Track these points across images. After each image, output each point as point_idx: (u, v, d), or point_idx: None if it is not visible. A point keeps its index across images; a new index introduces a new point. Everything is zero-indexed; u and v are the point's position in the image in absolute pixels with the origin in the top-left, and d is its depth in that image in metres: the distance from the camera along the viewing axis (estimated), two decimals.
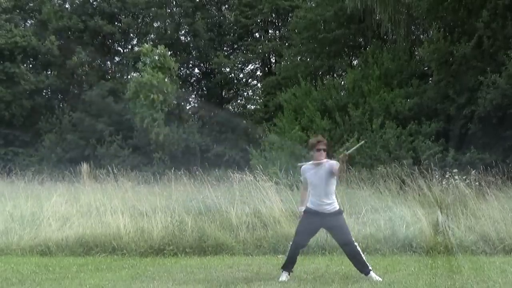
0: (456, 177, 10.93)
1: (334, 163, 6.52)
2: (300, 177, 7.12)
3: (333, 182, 6.56)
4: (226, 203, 10.50)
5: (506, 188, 10.41)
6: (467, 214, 9.51)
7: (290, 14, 28.23)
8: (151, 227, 9.78)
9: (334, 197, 6.58)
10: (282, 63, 27.44)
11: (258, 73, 32.62)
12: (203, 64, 31.68)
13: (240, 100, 32.89)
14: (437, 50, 17.43)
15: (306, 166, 6.71)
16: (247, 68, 32.49)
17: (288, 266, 6.69)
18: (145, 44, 25.70)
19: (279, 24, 31.22)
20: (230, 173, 12.42)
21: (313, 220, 6.58)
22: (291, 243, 6.76)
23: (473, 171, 11.25)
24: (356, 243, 6.69)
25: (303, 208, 6.72)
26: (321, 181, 6.50)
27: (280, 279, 6.56)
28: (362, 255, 6.66)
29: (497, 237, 8.83)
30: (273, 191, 10.70)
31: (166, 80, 24.08)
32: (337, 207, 6.60)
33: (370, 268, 6.60)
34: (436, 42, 17.59)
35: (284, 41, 29.42)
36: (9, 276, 7.29)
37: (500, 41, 16.57)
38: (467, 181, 10.77)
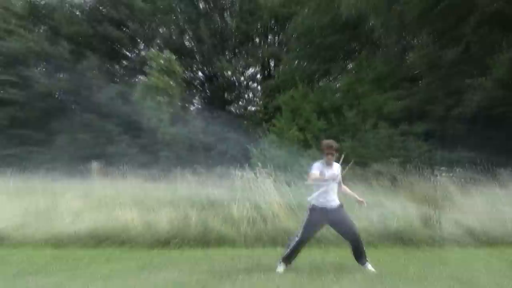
0: (444, 174, 10.98)
1: (340, 167, 6.85)
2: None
3: (337, 180, 6.78)
4: (228, 199, 10.53)
5: (490, 184, 10.44)
6: (454, 209, 9.56)
7: (288, 21, 28.21)
8: (158, 221, 9.83)
9: (336, 195, 6.74)
10: (281, 67, 27.46)
11: (258, 76, 32.63)
12: (207, 68, 31.69)
13: (241, 102, 32.90)
14: (426, 55, 17.48)
15: (319, 163, 6.77)
16: (247, 72, 32.51)
17: (289, 259, 6.73)
18: (152, 49, 25.76)
19: (278, 30, 31.18)
20: (232, 170, 12.45)
21: (319, 216, 6.67)
22: (296, 238, 6.76)
23: (460, 169, 11.27)
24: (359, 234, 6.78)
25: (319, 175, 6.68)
26: (333, 178, 6.68)
27: (278, 270, 6.61)
28: (363, 247, 6.75)
29: (481, 230, 8.89)
30: (272, 187, 10.73)
31: (171, 83, 24.10)
32: (339, 202, 6.73)
33: (367, 259, 6.67)
34: (426, 47, 17.64)
35: (283, 47, 29.44)
36: (25, 267, 7.35)
37: (487, 46, 16.59)
38: (454, 178, 10.82)
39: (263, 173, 11.59)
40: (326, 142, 6.77)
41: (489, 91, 15.71)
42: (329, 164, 6.70)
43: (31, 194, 12.19)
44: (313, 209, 6.70)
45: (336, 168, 6.76)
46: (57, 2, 31.48)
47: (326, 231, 8.42)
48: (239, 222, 9.71)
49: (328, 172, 6.67)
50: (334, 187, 6.71)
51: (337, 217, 6.66)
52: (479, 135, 16.28)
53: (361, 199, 6.92)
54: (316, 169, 6.67)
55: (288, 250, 6.79)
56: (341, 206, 6.71)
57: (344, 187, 6.96)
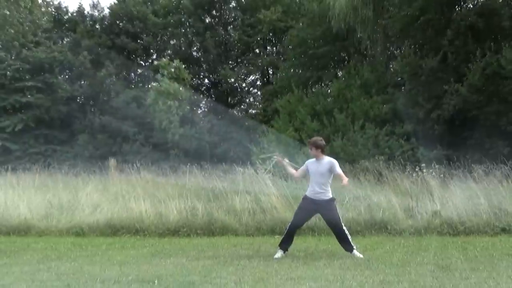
0: (425, 170, 10.92)
1: (334, 163, 6.52)
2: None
3: (329, 176, 6.54)
4: (231, 192, 10.49)
5: (466, 179, 10.38)
6: (433, 201, 9.51)
7: (285, 33, 28.14)
8: (168, 212, 9.80)
9: (328, 187, 6.56)
10: (278, 74, 27.35)
11: (258, 83, 32.53)
12: (212, 76, 31.60)
13: (243, 106, 32.80)
14: (408, 64, 17.41)
15: (310, 160, 6.69)
16: (248, 79, 32.43)
17: (284, 244, 6.68)
18: (163, 58, 25.70)
19: (276, 41, 31.10)
20: (235, 166, 12.39)
21: (309, 206, 6.62)
22: (289, 224, 6.77)
23: (439, 165, 11.22)
24: (344, 227, 6.69)
25: (286, 162, 7.02)
26: (318, 174, 6.52)
27: (275, 256, 6.55)
28: (348, 236, 6.66)
29: (459, 220, 8.84)
30: (270, 182, 10.69)
31: (181, 89, 24.03)
32: (330, 196, 6.59)
33: (354, 247, 6.61)
34: (407, 57, 17.56)
35: (280, 56, 29.34)
36: (49, 253, 7.30)
37: (462, 55, 16.55)
38: (434, 174, 10.76)
39: (262, 169, 11.55)
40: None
41: (464, 96, 15.67)
42: (317, 160, 6.57)
43: (54, 188, 12.17)
44: (305, 198, 6.70)
45: (324, 164, 6.50)
46: (79, 17, 31.48)
47: (319, 221, 8.38)
48: (241, 213, 9.69)
49: (312, 167, 6.57)
50: (320, 180, 6.49)
51: (324, 208, 6.59)
52: (456, 135, 16.27)
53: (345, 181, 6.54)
54: (303, 165, 6.80)
55: (284, 234, 6.78)
56: (331, 200, 6.61)
57: (345, 180, 6.46)
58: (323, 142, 6.65)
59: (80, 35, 29.71)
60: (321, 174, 6.48)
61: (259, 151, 18.30)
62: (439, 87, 16.45)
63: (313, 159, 6.64)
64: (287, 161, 6.97)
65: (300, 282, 5.00)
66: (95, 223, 9.75)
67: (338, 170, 6.51)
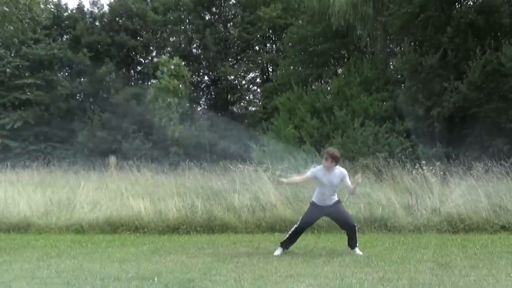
0: (424, 167, 10.91)
1: (346, 175, 6.49)
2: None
3: (338, 185, 6.58)
4: (230, 190, 10.49)
5: (466, 176, 10.37)
6: (433, 199, 9.49)
7: (285, 31, 28.11)
8: (168, 209, 9.78)
9: (335, 194, 6.63)
10: (278, 71, 27.33)
11: (258, 80, 32.53)
12: (212, 73, 31.60)
13: (243, 103, 32.79)
14: (408, 61, 17.38)
15: (318, 168, 6.60)
16: (248, 76, 32.40)
17: (286, 243, 6.68)
18: (163, 55, 25.63)
19: (276, 39, 31.08)
20: (234, 164, 12.37)
21: (317, 211, 6.64)
22: (295, 226, 6.72)
23: (439, 163, 11.21)
24: (355, 224, 6.70)
25: (283, 180, 6.95)
26: (330, 184, 6.50)
27: (275, 253, 6.55)
28: (357, 234, 6.70)
29: (458, 218, 8.82)
30: (269, 180, 10.67)
31: (180, 86, 24.02)
32: (336, 198, 6.64)
33: (357, 245, 6.64)
34: (407, 54, 17.53)
35: (280, 53, 29.32)
36: (48, 251, 7.30)
37: (462, 53, 16.53)
38: (433, 171, 10.75)
39: (260, 167, 11.54)
40: (329, 149, 6.66)
41: (464, 93, 15.66)
42: (328, 170, 6.45)
43: (54, 186, 12.16)
44: (313, 204, 6.67)
45: (337, 175, 6.45)
46: (78, 14, 31.46)
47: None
48: (240, 210, 9.67)
49: (324, 179, 6.45)
50: (331, 191, 6.52)
51: (334, 212, 6.63)
52: (456, 133, 16.26)
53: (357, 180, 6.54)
54: (309, 173, 6.60)
55: (287, 235, 6.76)
56: (338, 202, 6.64)
57: (351, 189, 6.58)
58: (339, 155, 6.59)
59: (80, 32, 29.70)
60: (334, 185, 6.50)
61: (258, 149, 18.33)
62: (439, 85, 16.43)
63: (322, 169, 6.51)
64: (285, 180, 6.96)
65: (300, 279, 5.00)
66: (94, 220, 9.74)
67: (349, 181, 6.53)
